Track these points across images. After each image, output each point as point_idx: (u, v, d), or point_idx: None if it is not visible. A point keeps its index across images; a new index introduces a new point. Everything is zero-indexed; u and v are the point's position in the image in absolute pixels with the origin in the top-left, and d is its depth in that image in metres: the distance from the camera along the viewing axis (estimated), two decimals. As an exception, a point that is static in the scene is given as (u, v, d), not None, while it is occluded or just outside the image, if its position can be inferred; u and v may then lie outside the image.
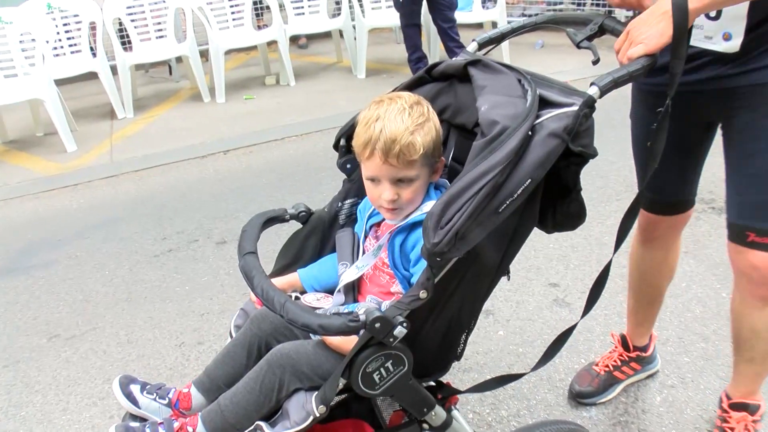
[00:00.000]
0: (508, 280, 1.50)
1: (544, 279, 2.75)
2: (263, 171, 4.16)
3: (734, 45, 1.41)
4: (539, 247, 2.94)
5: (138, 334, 2.65)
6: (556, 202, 1.34)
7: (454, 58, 1.50)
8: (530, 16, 7.30)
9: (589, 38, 1.46)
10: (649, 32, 1.28)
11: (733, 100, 1.49)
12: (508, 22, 5.49)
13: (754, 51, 1.41)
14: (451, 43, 5.32)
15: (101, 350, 2.57)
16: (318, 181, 3.81)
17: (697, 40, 1.45)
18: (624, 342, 2.16)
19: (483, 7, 5.97)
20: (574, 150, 1.20)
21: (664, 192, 1.82)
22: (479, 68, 1.37)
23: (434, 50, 5.76)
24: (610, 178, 3.55)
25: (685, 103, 1.53)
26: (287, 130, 4.72)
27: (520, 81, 1.30)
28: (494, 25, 5.82)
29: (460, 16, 5.50)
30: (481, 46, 1.62)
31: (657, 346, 2.21)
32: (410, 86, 1.51)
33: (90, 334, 2.68)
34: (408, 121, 1.30)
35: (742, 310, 1.70)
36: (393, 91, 1.51)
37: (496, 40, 1.63)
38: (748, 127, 1.49)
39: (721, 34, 1.41)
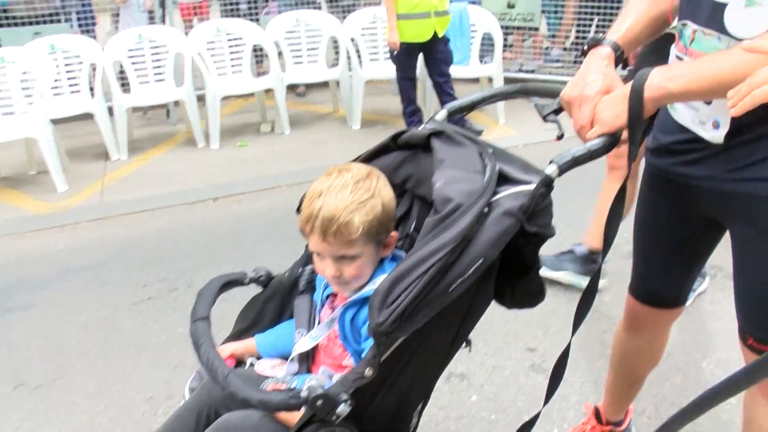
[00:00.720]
0: (470, 351, 1.48)
1: (521, 343, 2.71)
2: (252, 220, 4.15)
3: (720, 135, 1.34)
4: (518, 310, 2.91)
5: (108, 386, 2.61)
6: (515, 280, 1.32)
7: (419, 127, 1.49)
8: (528, 71, 7.38)
9: (556, 112, 1.45)
10: (606, 113, 1.28)
11: (730, 206, 1.42)
12: (504, 78, 5.53)
13: (749, 158, 1.33)
14: (446, 98, 5.35)
15: (68, 401, 2.53)
16: (304, 233, 3.78)
17: (694, 124, 1.40)
18: (597, 415, 2.11)
19: (481, 62, 6.04)
20: (530, 230, 1.19)
21: (651, 281, 1.75)
22: (442, 140, 1.36)
23: (429, 104, 5.80)
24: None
25: (686, 195, 1.50)
26: (278, 179, 4.72)
27: (481, 155, 1.29)
28: (490, 80, 5.88)
29: (457, 71, 5.56)
30: (451, 114, 1.60)
31: (632, 417, 2.16)
32: (375, 153, 1.51)
33: (58, 384, 2.64)
34: (348, 199, 1.28)
35: (751, 405, 1.61)
36: (356, 158, 1.51)
37: (467, 108, 1.61)
38: (746, 243, 1.43)
39: (711, 120, 1.35)
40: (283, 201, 4.40)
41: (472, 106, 1.62)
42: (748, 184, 1.34)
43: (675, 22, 1.39)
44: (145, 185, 4.81)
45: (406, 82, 5.38)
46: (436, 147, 1.34)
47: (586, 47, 1.44)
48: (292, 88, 6.31)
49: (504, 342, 2.71)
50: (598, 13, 6.53)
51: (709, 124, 1.35)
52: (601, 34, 1.45)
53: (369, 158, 1.51)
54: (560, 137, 1.40)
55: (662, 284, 1.74)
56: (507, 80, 5.97)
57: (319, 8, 6.74)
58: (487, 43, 6.07)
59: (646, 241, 1.72)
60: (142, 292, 3.32)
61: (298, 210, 1.54)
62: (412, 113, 5.43)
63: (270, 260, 3.40)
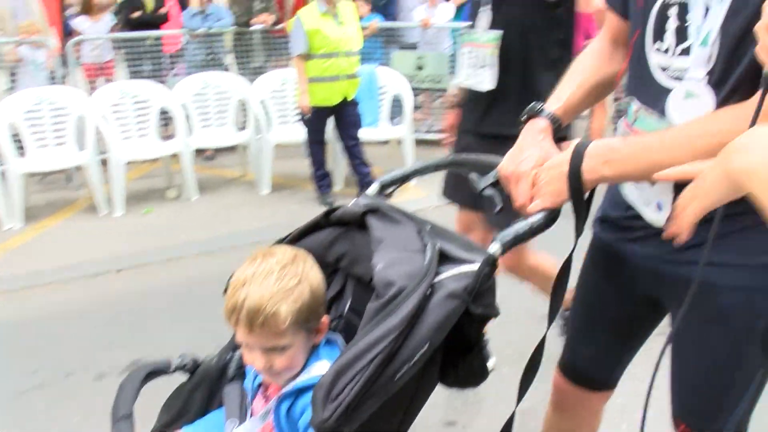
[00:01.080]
0: None
1: (440, 416, 2.64)
2: (157, 293, 3.94)
3: (662, 218, 1.30)
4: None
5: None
6: (458, 359, 1.28)
7: (351, 205, 1.45)
8: (437, 131, 7.57)
9: (493, 185, 1.43)
10: (548, 188, 1.28)
11: (671, 288, 1.37)
12: (415, 139, 5.55)
13: (691, 241, 1.25)
14: (356, 161, 5.39)
15: None
16: (215, 306, 3.55)
17: (639, 203, 1.37)
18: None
19: (391, 123, 6.12)
20: (475, 312, 1.16)
21: (584, 361, 1.66)
22: (377, 218, 1.32)
23: (339, 168, 5.80)
24: (512, 301, 3.54)
25: (627, 273, 1.46)
26: (185, 249, 4.55)
27: (419, 233, 1.26)
28: (399, 142, 5.96)
29: (367, 133, 5.62)
30: (383, 187, 1.57)
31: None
32: (306, 231, 1.45)
33: None
34: (274, 287, 1.22)
35: None
36: (286, 236, 1.46)
37: (399, 180, 1.59)
38: (684, 327, 1.36)
39: (655, 202, 1.32)
40: (191, 271, 4.23)
41: (405, 179, 1.59)
42: (688, 268, 1.29)
43: (624, 97, 1.39)
44: (40, 257, 4.52)
45: (317, 146, 5.37)
46: (372, 226, 1.30)
47: (524, 118, 1.44)
48: (199, 151, 6.19)
49: (423, 416, 2.60)
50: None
51: (653, 205, 1.33)
52: (539, 104, 1.44)
53: (299, 236, 1.45)
54: (499, 211, 1.39)
55: (595, 365, 1.66)
56: (417, 141, 6.08)
57: (228, 70, 6.70)
58: (396, 105, 6.17)
59: (583, 319, 1.65)
60: (31, 379, 3.02)
61: (226, 291, 1.46)
62: (323, 177, 5.42)
63: (178, 337, 3.23)
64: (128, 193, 5.39)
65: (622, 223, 1.44)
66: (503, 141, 2.38)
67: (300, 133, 5.49)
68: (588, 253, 1.63)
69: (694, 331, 1.34)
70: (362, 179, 5.46)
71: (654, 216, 1.33)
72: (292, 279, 1.24)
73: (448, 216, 2.71)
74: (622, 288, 1.52)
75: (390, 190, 1.58)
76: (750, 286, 1.27)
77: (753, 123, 0.95)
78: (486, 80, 2.46)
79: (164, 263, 4.37)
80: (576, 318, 1.67)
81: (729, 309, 1.29)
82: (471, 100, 2.61)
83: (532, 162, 1.33)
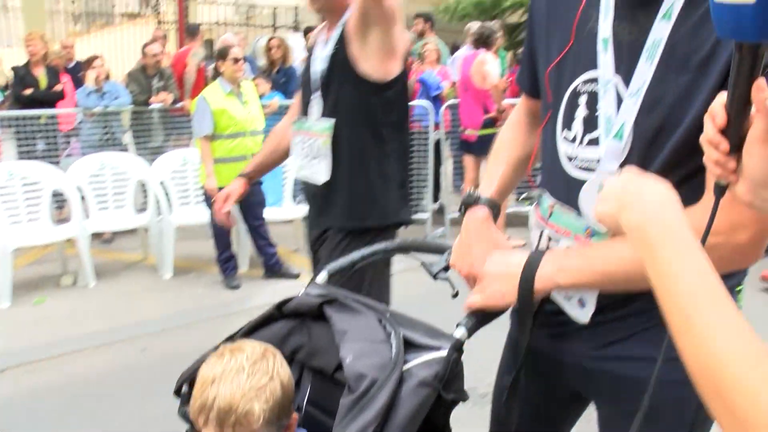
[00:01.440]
0: None
1: None
2: (50, 393, 3.66)
3: (585, 315, 1.29)
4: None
5: None
6: None
7: (303, 295, 1.44)
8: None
9: (446, 269, 1.44)
10: (493, 287, 1.27)
11: (593, 383, 1.37)
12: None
13: (613, 336, 1.29)
14: (261, 242, 5.35)
15: None
16: (117, 404, 3.42)
17: (559, 296, 1.34)
18: None
19: (295, 202, 6.10)
20: (447, 398, 1.18)
21: None
22: (336, 309, 1.32)
23: (244, 249, 5.71)
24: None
25: (549, 368, 1.46)
26: (82, 341, 4.29)
27: (380, 321, 1.27)
28: (305, 219, 5.92)
29: (271, 213, 5.58)
30: (332, 276, 1.55)
31: None
32: (258, 325, 1.43)
33: None
34: (246, 384, 1.19)
35: None
36: (239, 331, 1.43)
37: (348, 268, 1.57)
38: (610, 423, 1.38)
39: (577, 298, 1.31)
40: (89, 367, 3.98)
41: (352, 266, 1.58)
42: (611, 363, 1.29)
43: (537, 188, 1.40)
44: None
45: (221, 228, 5.27)
46: (333, 318, 1.30)
47: (463, 208, 1.44)
48: (97, 235, 5.95)
49: None
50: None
51: (574, 301, 1.32)
52: (475, 191, 1.43)
53: (252, 330, 1.43)
54: (455, 295, 1.40)
55: None
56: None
57: (126, 150, 6.55)
58: (299, 184, 6.16)
59: (506, 415, 1.60)
60: None
61: (176, 392, 1.39)
62: (228, 259, 5.31)
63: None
64: (16, 281, 5.07)
65: (541, 319, 1.40)
66: (346, 235, 2.37)
67: (202, 215, 5.38)
68: (507, 350, 1.63)
69: (620, 426, 1.31)
70: (268, 260, 5.40)
71: (576, 312, 1.32)
72: (263, 375, 1.22)
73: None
74: (544, 383, 1.51)
75: (338, 278, 1.57)
76: (678, 380, 1.20)
77: (706, 234, 0.92)
78: (321, 172, 2.35)
79: (58, 359, 4.09)
80: (499, 414, 1.65)
81: (659, 403, 1.28)
82: (308, 194, 2.56)
83: (484, 258, 1.33)
